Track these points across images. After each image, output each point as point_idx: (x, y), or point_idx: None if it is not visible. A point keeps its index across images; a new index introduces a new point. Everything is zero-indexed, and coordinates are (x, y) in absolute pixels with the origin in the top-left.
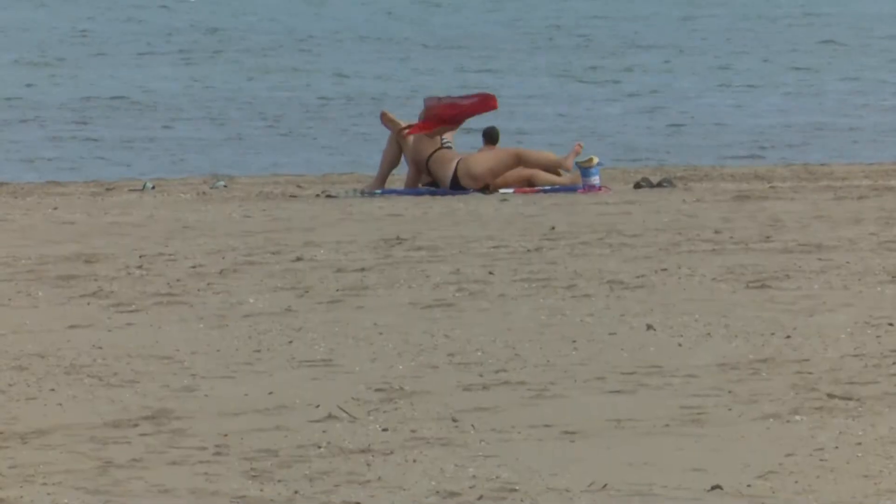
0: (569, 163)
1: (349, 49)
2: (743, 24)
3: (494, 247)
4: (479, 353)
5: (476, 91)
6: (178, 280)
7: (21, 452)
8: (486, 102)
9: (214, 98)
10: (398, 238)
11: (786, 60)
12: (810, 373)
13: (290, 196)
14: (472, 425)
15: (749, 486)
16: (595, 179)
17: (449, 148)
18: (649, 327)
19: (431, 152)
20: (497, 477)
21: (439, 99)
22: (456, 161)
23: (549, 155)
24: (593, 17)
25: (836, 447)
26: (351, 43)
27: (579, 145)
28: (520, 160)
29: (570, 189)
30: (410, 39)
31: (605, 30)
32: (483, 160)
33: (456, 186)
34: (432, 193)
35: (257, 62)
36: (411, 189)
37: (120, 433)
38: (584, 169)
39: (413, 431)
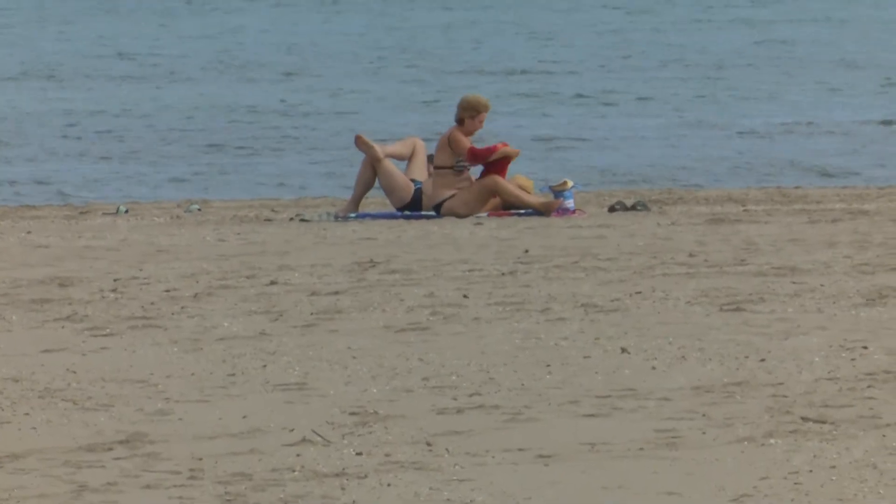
0: (552, 208)
1: (320, 68)
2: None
3: (468, 270)
4: (454, 377)
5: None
6: (152, 304)
7: None
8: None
9: (185, 118)
10: (372, 261)
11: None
12: (785, 396)
13: (265, 220)
14: (447, 449)
15: None
16: (569, 203)
17: (460, 171)
18: (623, 350)
19: (445, 165)
20: (471, 501)
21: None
22: (449, 195)
23: (529, 198)
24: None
25: (811, 470)
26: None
27: (566, 182)
28: (496, 191)
29: (543, 212)
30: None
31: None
32: (468, 204)
33: (437, 211)
34: (407, 217)
35: (227, 82)
36: (385, 212)
37: (94, 457)
38: (558, 192)
39: (387, 455)
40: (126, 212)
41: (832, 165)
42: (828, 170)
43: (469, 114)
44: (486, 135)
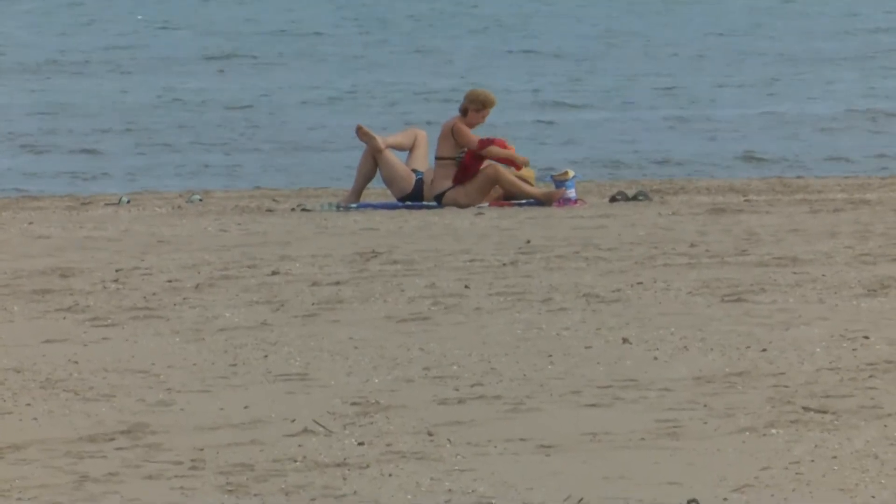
0: (554, 198)
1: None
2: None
3: (470, 260)
4: (455, 367)
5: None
6: (153, 294)
7: None
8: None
9: (188, 109)
10: (373, 252)
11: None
12: (786, 386)
13: (266, 210)
14: (448, 439)
15: (725, 499)
16: (571, 192)
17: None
18: (625, 341)
19: (447, 156)
20: (473, 491)
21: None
22: (450, 185)
23: (530, 188)
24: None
25: (812, 460)
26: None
27: (568, 172)
28: (497, 182)
29: (544, 202)
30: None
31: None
32: (469, 194)
33: (438, 201)
34: (408, 208)
35: (223, 71)
36: (386, 203)
37: (96, 447)
38: (560, 182)
39: (389, 445)
40: (128, 202)
41: (828, 155)
42: (825, 159)
43: (475, 106)
44: (486, 128)
